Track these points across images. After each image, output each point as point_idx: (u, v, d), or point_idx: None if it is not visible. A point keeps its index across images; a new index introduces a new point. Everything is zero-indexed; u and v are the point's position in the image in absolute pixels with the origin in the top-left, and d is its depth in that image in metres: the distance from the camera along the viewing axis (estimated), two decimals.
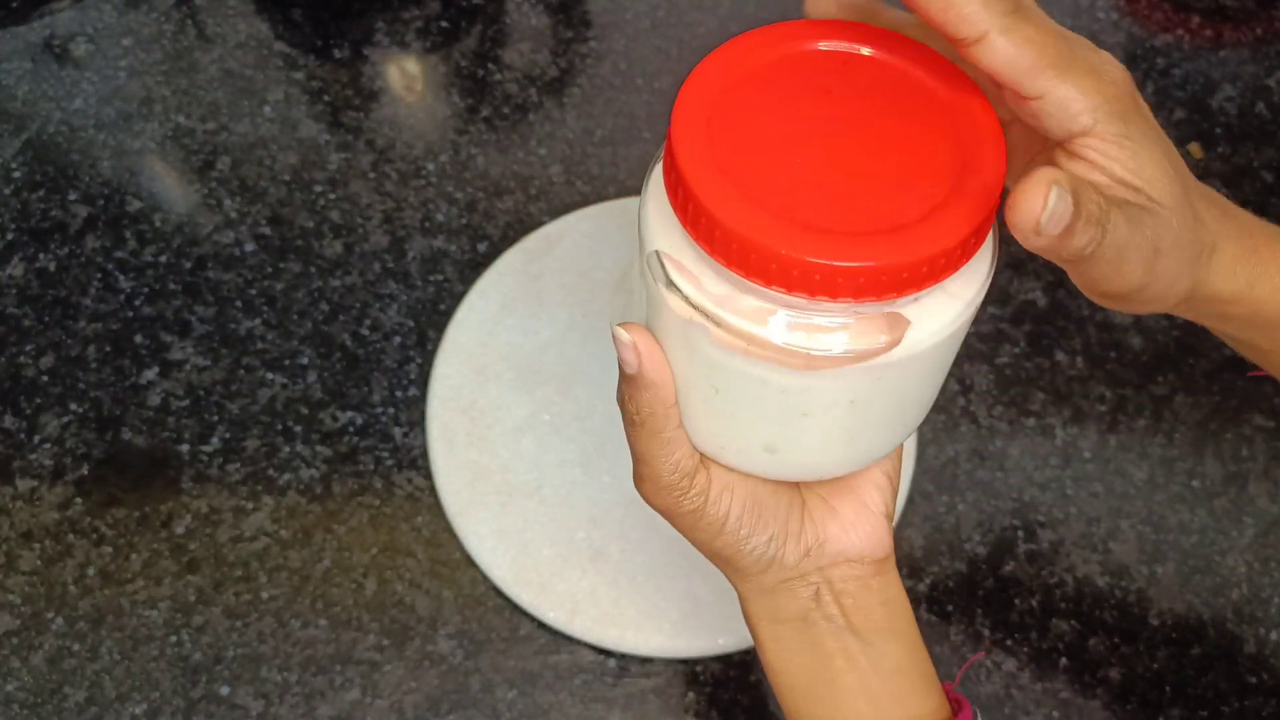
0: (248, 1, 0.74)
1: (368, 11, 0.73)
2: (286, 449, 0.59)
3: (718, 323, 0.30)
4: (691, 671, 0.54)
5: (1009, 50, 0.27)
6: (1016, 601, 0.56)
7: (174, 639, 0.54)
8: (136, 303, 0.63)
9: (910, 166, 0.29)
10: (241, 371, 0.61)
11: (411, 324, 0.62)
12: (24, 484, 0.58)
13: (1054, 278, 0.64)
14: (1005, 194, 0.29)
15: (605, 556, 0.56)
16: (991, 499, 0.58)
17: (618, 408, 0.35)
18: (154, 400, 0.60)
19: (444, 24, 0.73)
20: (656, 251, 0.31)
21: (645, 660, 0.54)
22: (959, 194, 0.28)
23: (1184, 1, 0.76)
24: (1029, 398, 0.61)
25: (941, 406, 0.61)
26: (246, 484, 0.58)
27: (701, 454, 0.35)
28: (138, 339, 0.62)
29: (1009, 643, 0.55)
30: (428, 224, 0.66)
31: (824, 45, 0.31)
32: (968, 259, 0.29)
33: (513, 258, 0.64)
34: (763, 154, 0.29)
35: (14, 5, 0.73)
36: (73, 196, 0.66)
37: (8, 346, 0.61)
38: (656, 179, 0.31)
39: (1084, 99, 0.28)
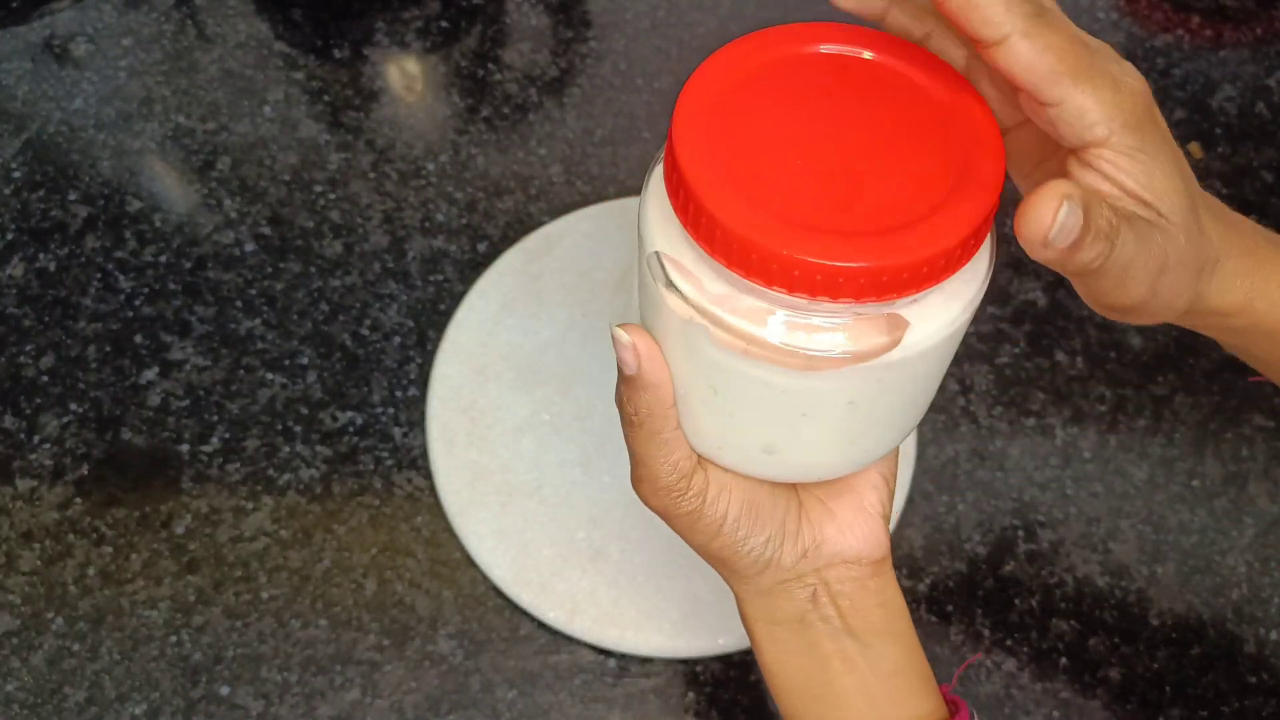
0: (248, 1, 0.74)
1: (368, 11, 0.73)
2: (286, 449, 0.59)
3: (718, 323, 0.30)
4: (691, 671, 0.54)
5: (1029, 55, 0.27)
6: (1016, 601, 0.56)
7: (174, 639, 0.54)
8: (136, 303, 0.63)
9: (909, 168, 0.29)
10: (241, 371, 0.61)
11: (411, 324, 0.62)
12: (24, 484, 0.58)
13: (1054, 278, 0.64)
14: (1003, 195, 0.29)
15: (605, 556, 0.56)
16: (991, 499, 0.58)
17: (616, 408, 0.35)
18: (154, 400, 0.60)
19: (444, 24, 0.73)
20: (656, 252, 0.31)
21: (645, 660, 0.54)
22: (958, 196, 0.28)
23: (1184, 1, 0.76)
24: (1029, 398, 0.61)
25: (941, 406, 0.61)
26: (246, 484, 0.58)
27: (699, 455, 0.35)
28: (138, 339, 0.62)
29: (1009, 643, 0.55)
30: (428, 224, 0.66)
31: (824, 49, 0.31)
32: (967, 260, 0.29)
33: (513, 258, 0.64)
34: (763, 155, 0.29)
35: (14, 5, 0.73)
36: (73, 196, 0.66)
37: (8, 346, 0.61)
38: (656, 180, 0.31)
39: (1101, 109, 0.28)
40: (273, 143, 0.68)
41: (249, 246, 0.65)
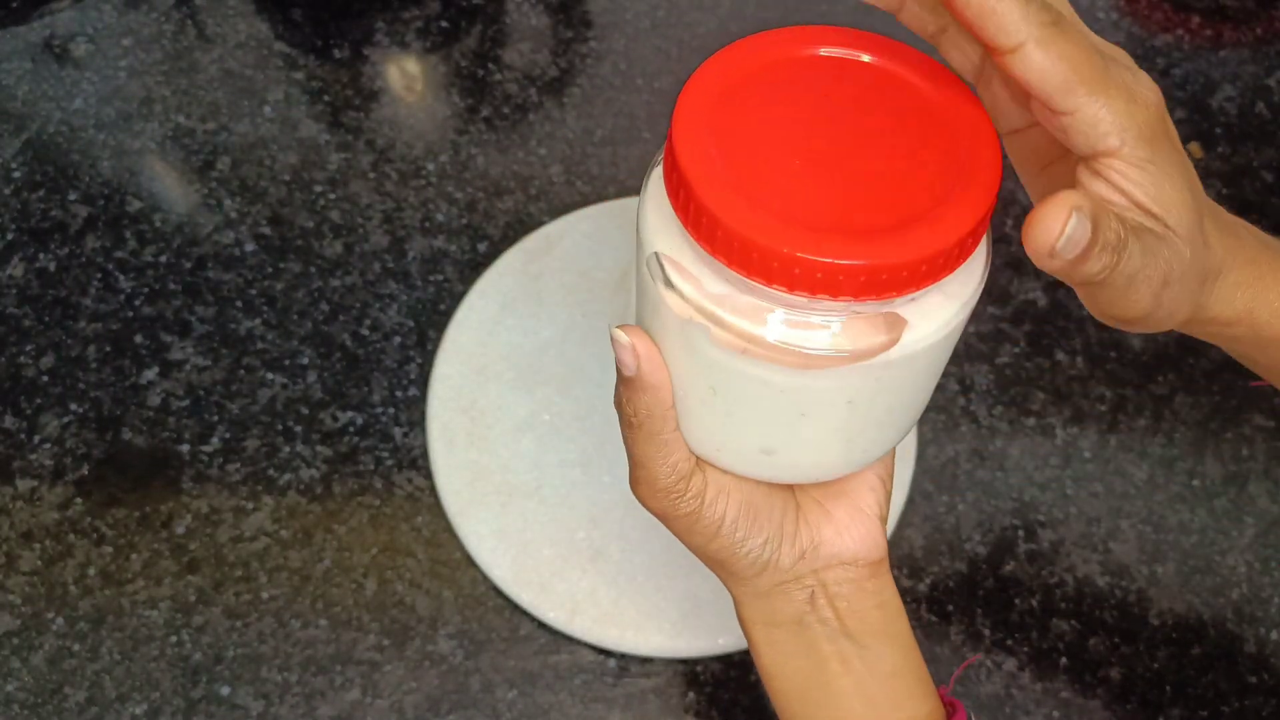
0: (248, 1, 0.74)
1: (368, 11, 0.73)
2: (286, 449, 0.59)
3: (717, 322, 0.30)
4: (691, 671, 0.54)
5: (1044, 63, 0.27)
6: (1016, 601, 0.56)
7: (174, 639, 0.54)
8: (136, 303, 0.63)
9: (907, 169, 0.29)
10: (241, 371, 0.61)
11: (411, 324, 0.62)
12: (24, 484, 0.58)
13: (1054, 278, 0.64)
14: (1002, 195, 0.29)
15: (605, 556, 0.56)
16: (991, 499, 0.58)
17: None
18: (154, 400, 0.60)
19: (444, 24, 0.73)
20: (656, 253, 0.31)
21: (645, 660, 0.54)
22: (955, 196, 0.29)
23: (1184, 1, 0.76)
24: (1029, 398, 0.61)
25: (941, 406, 0.61)
26: (246, 484, 0.58)
27: (698, 457, 0.35)
28: (138, 339, 0.62)
29: (1009, 643, 0.55)
30: (428, 224, 0.66)
31: (824, 51, 0.31)
32: (964, 259, 0.29)
33: (513, 258, 0.64)
34: (763, 155, 0.29)
35: (14, 5, 0.73)
36: (73, 196, 0.66)
37: (8, 346, 0.61)
38: (655, 182, 0.32)
39: (1114, 119, 0.28)
40: (273, 143, 0.68)
41: (249, 246, 0.65)
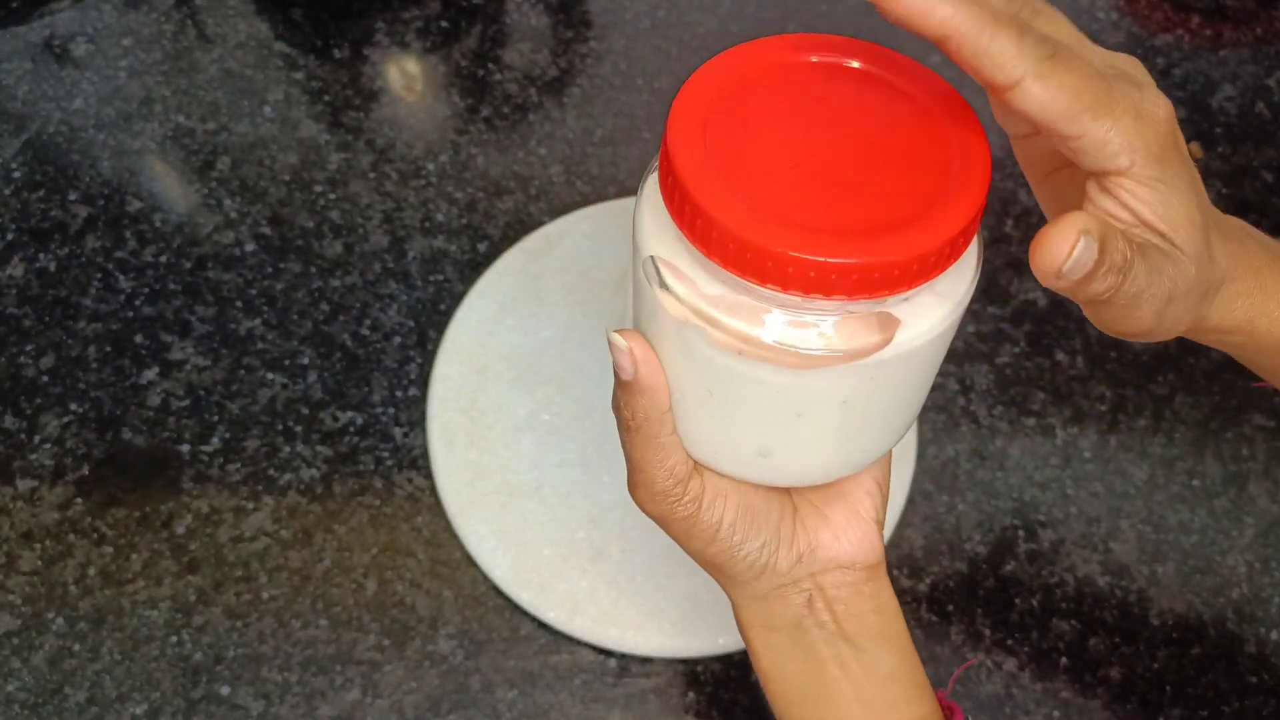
0: (248, 1, 0.74)
1: (368, 11, 0.73)
2: (287, 449, 0.59)
3: (713, 324, 0.30)
4: (691, 671, 0.54)
5: (1044, 96, 0.27)
6: (1017, 601, 0.56)
7: (174, 639, 0.54)
8: (136, 303, 0.63)
9: (899, 171, 0.30)
10: (241, 371, 0.61)
11: (411, 324, 0.62)
12: (24, 484, 0.58)
13: None
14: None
15: (605, 556, 0.56)
16: (991, 499, 0.58)
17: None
18: (154, 400, 0.60)
19: (444, 24, 0.73)
20: (652, 256, 0.31)
21: (645, 660, 0.54)
22: (945, 197, 0.29)
23: (1184, 1, 0.76)
24: (1029, 398, 0.61)
25: (941, 406, 0.61)
26: (247, 484, 0.58)
27: (696, 461, 0.35)
28: (138, 339, 0.62)
29: (1009, 643, 0.55)
30: (428, 224, 0.66)
31: (816, 58, 0.32)
32: (955, 259, 0.30)
33: (513, 258, 0.64)
34: (756, 159, 0.30)
35: (14, 5, 0.73)
36: (73, 196, 0.66)
37: (8, 346, 0.61)
38: (651, 187, 0.32)
39: (1122, 139, 0.28)
40: (273, 143, 0.68)
41: (249, 246, 0.65)
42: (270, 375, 0.61)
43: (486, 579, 0.56)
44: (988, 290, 0.64)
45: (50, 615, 0.54)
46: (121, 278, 0.64)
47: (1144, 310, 0.30)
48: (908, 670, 0.38)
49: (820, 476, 0.36)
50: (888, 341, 0.30)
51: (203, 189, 0.67)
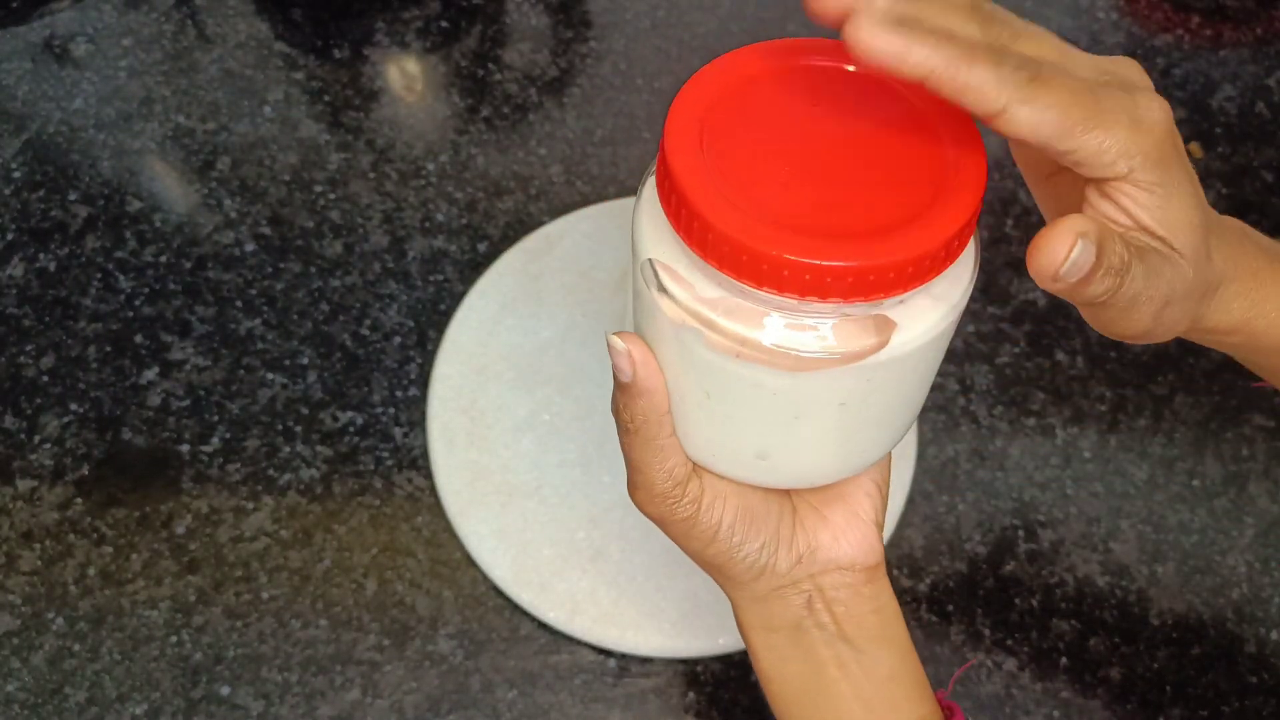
0: (248, 1, 0.74)
1: (368, 11, 0.73)
2: (286, 449, 0.59)
3: (711, 326, 0.30)
4: (691, 671, 0.54)
5: (1030, 119, 0.27)
6: (1017, 601, 0.56)
7: (174, 639, 0.54)
8: (136, 303, 0.63)
9: (895, 174, 0.30)
10: (241, 371, 0.61)
11: (411, 324, 0.62)
12: (24, 484, 0.58)
13: None
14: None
15: (605, 556, 0.56)
16: (991, 499, 0.58)
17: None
18: (154, 400, 0.60)
19: (444, 24, 0.73)
20: (650, 259, 0.31)
21: (645, 660, 0.54)
22: (941, 201, 0.29)
23: (1184, 1, 0.76)
24: (1029, 398, 0.61)
25: (941, 406, 0.61)
26: (246, 484, 0.58)
27: (695, 463, 0.35)
28: (138, 339, 0.62)
29: (1009, 643, 0.55)
30: (428, 224, 0.66)
31: (812, 62, 0.32)
32: (951, 262, 0.30)
33: (513, 258, 0.64)
34: (753, 163, 0.30)
35: (14, 5, 0.73)
36: (73, 196, 0.66)
37: (8, 346, 0.62)
38: (649, 190, 0.32)
39: (1118, 147, 0.28)
40: (273, 143, 0.68)
41: (249, 246, 0.65)
42: (270, 375, 0.61)
43: (486, 579, 0.56)
44: (987, 290, 0.64)
45: (50, 615, 0.54)
46: (121, 278, 0.64)
47: (1141, 312, 0.30)
48: (907, 671, 0.38)
49: (819, 478, 0.36)
50: (884, 344, 0.30)
51: (203, 189, 0.67)
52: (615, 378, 0.34)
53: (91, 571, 0.56)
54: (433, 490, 0.58)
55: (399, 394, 0.60)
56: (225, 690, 0.53)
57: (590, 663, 0.54)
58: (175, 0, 0.74)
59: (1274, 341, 0.36)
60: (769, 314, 0.30)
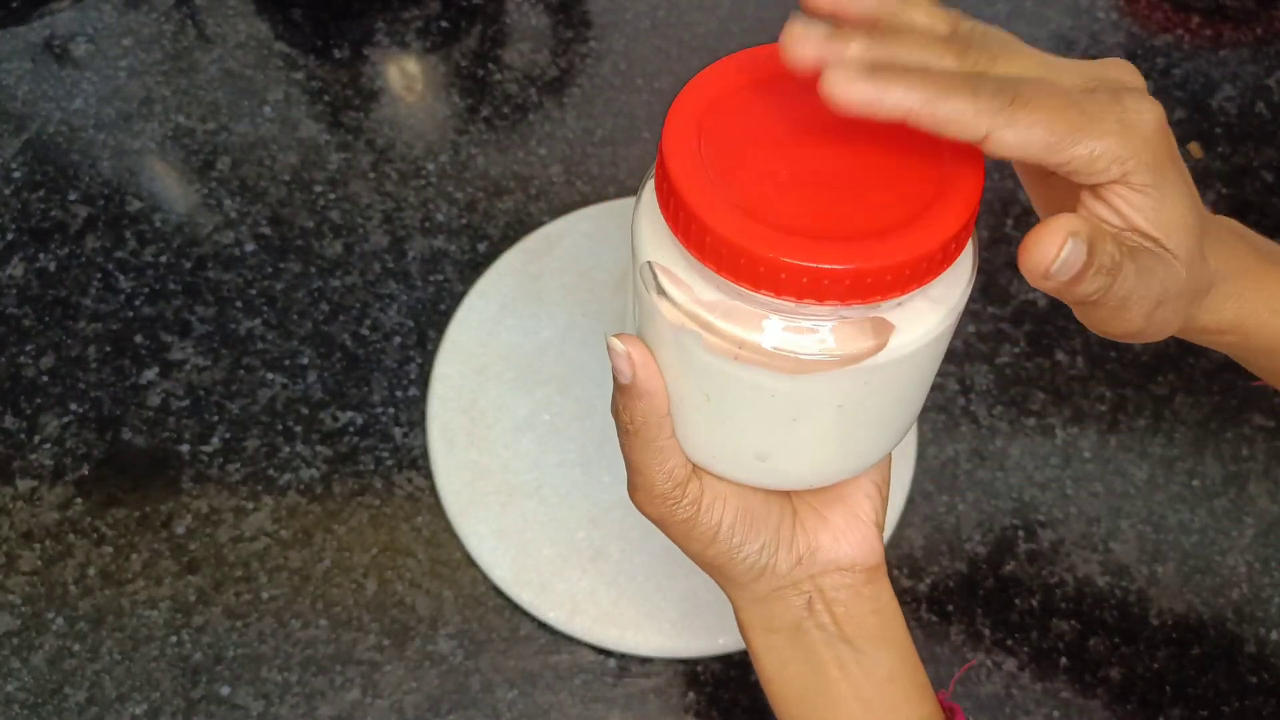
0: (248, 1, 0.74)
1: (368, 11, 0.73)
2: (286, 449, 0.59)
3: (709, 329, 0.31)
4: (691, 671, 0.54)
5: (1015, 140, 0.28)
6: (1016, 601, 0.56)
7: (174, 639, 0.54)
8: (136, 303, 0.63)
9: (892, 177, 0.30)
10: (241, 371, 0.61)
11: (411, 324, 0.62)
12: (24, 484, 0.58)
13: None
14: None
15: (605, 556, 0.56)
16: (991, 499, 0.58)
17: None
18: (154, 400, 0.60)
19: (444, 24, 0.73)
20: (649, 262, 0.31)
21: (645, 660, 0.54)
22: (938, 204, 0.29)
23: (1184, 1, 0.76)
24: (1029, 398, 0.61)
25: (941, 406, 0.61)
26: (246, 484, 0.58)
27: (694, 464, 0.35)
28: (138, 339, 0.62)
29: (1009, 643, 0.55)
30: (428, 224, 0.66)
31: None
32: (949, 264, 0.30)
33: (513, 258, 0.64)
34: (751, 167, 0.30)
35: (14, 5, 0.73)
36: (73, 196, 0.66)
37: (8, 346, 0.62)
38: (649, 193, 0.32)
39: (1110, 153, 0.28)
40: (273, 143, 0.68)
41: (249, 246, 0.65)
42: (270, 375, 0.61)
43: (486, 579, 0.56)
44: (987, 290, 0.64)
45: (50, 615, 0.54)
46: (121, 278, 0.64)
47: (1133, 312, 0.30)
48: (908, 671, 0.38)
49: (818, 479, 0.36)
50: (881, 346, 0.30)
51: (203, 189, 0.67)
52: (615, 380, 0.34)
53: (91, 571, 0.56)
54: (433, 490, 0.58)
55: (399, 394, 0.60)
56: (225, 690, 0.53)
57: (590, 663, 0.54)
58: (175, 0, 0.74)
59: (1266, 342, 0.36)
60: (767, 316, 0.30)
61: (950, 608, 0.56)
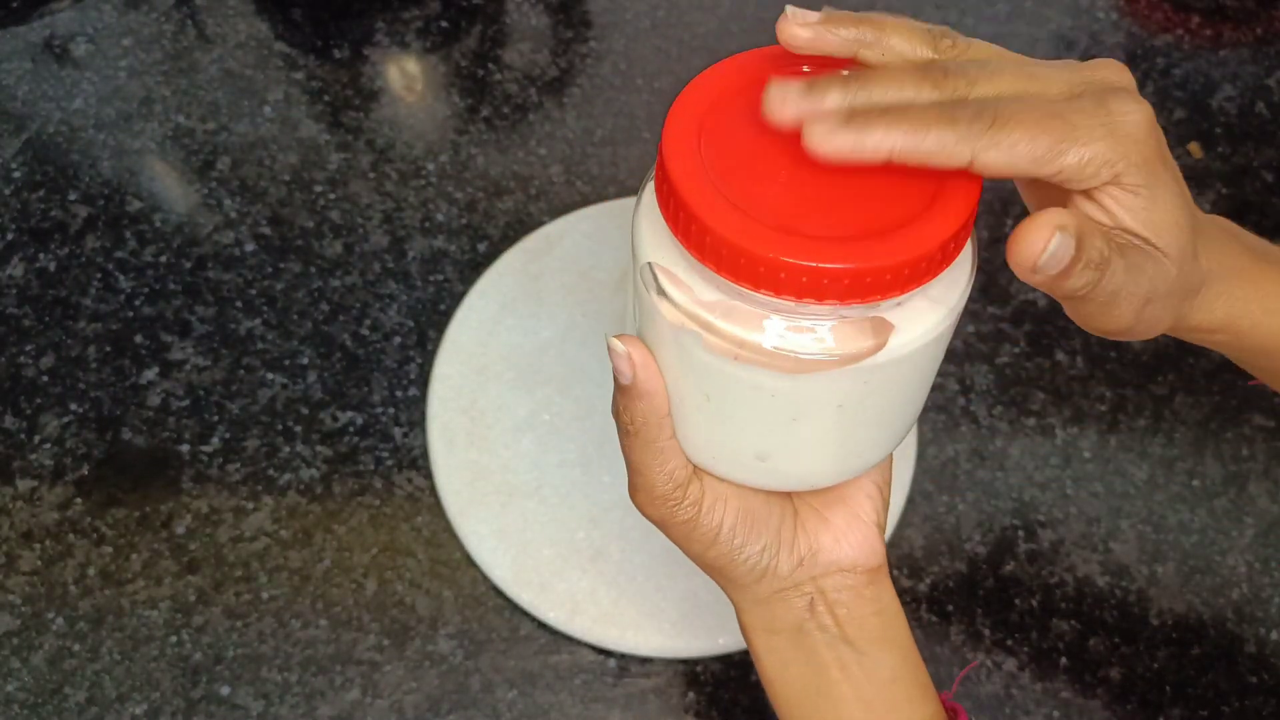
0: (248, 1, 0.74)
1: (368, 11, 0.73)
2: (286, 449, 0.59)
3: (709, 329, 0.31)
4: (691, 671, 0.54)
5: (1001, 160, 0.28)
6: (1016, 601, 0.56)
7: (174, 639, 0.54)
8: (136, 303, 0.63)
9: (891, 178, 0.30)
10: (241, 371, 0.61)
11: (411, 324, 0.62)
12: (24, 484, 0.58)
13: None
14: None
15: (605, 556, 0.56)
16: (991, 499, 0.58)
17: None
18: (154, 400, 0.60)
19: (444, 24, 0.73)
20: (649, 263, 0.32)
21: (645, 660, 0.54)
22: (937, 204, 0.29)
23: (1184, 1, 0.76)
24: (1029, 398, 0.61)
25: (941, 406, 0.61)
26: (246, 484, 0.58)
27: (695, 466, 0.35)
28: (138, 339, 0.62)
29: (1009, 643, 0.55)
30: (428, 224, 0.66)
31: (809, 66, 0.32)
32: (948, 264, 0.30)
33: (513, 258, 0.64)
34: (750, 167, 0.30)
35: (14, 5, 0.73)
36: (73, 196, 0.66)
37: (8, 346, 0.62)
38: (649, 194, 0.32)
39: (1099, 157, 0.28)
40: (273, 143, 0.68)
41: (249, 246, 0.65)
42: (270, 375, 0.61)
43: (486, 579, 0.56)
44: (987, 290, 0.64)
45: (50, 615, 0.54)
46: (121, 278, 0.64)
47: (1123, 309, 0.30)
48: (910, 672, 0.38)
49: (818, 480, 0.36)
50: (881, 346, 0.30)
51: (203, 189, 0.67)
52: (615, 380, 0.34)
53: (91, 571, 0.56)
54: (433, 490, 0.58)
55: (399, 394, 0.60)
56: (225, 690, 0.53)
57: (590, 663, 0.54)
58: (175, 0, 0.74)
59: (1259, 341, 0.36)
60: (767, 316, 0.30)
61: (950, 608, 0.56)
